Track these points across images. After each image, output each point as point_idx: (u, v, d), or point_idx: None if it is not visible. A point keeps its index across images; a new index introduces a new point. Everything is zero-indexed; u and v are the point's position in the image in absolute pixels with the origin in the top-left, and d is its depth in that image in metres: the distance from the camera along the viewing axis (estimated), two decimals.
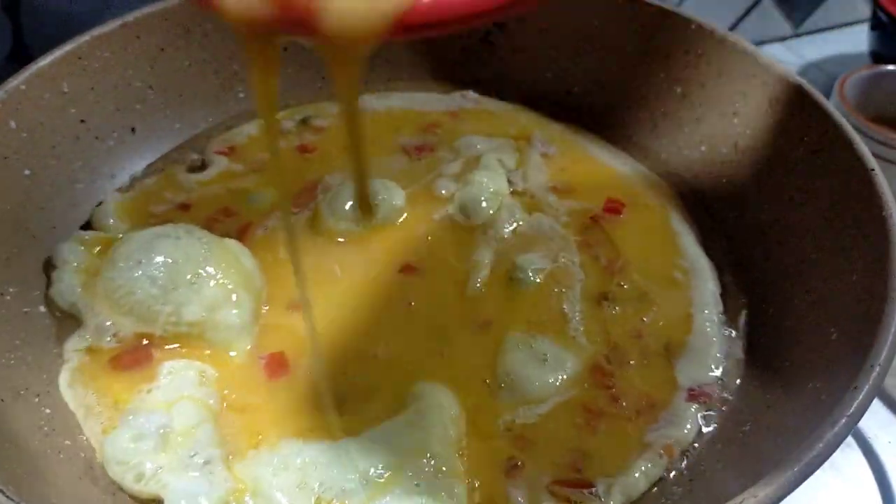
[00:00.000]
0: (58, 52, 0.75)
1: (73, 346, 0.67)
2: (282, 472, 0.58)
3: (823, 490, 0.70)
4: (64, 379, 0.65)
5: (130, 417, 0.60)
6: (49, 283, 0.70)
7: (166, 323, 0.65)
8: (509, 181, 0.82)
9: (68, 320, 0.69)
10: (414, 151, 0.87)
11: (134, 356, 0.65)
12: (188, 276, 0.65)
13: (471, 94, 0.94)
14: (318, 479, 0.57)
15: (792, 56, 1.33)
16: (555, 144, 0.87)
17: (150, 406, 0.62)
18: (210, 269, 0.66)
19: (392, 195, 0.78)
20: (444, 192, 0.80)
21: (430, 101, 0.93)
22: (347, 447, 0.58)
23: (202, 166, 0.83)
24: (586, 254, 0.75)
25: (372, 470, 0.57)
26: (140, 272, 0.65)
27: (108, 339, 0.66)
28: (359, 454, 0.58)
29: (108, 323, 0.66)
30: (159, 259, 0.65)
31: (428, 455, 0.58)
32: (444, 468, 0.57)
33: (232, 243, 0.70)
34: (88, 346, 0.66)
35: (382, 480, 0.56)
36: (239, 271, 0.68)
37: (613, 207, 0.80)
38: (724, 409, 0.64)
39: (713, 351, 0.68)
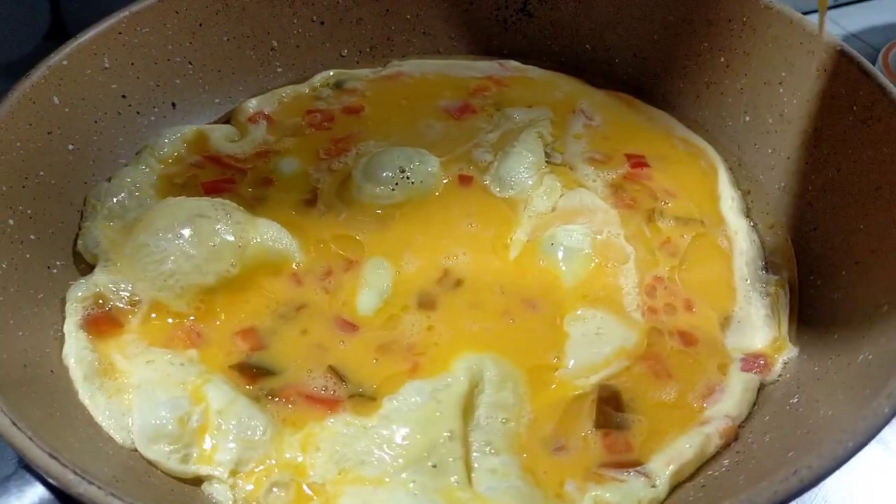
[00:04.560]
0: (98, 28, 0.75)
1: (81, 293, 0.67)
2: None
3: (872, 465, 0.69)
4: (70, 334, 0.64)
5: (164, 394, 0.60)
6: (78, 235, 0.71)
7: (186, 298, 0.66)
8: (547, 154, 0.81)
9: None
10: (456, 112, 0.86)
11: (171, 331, 0.65)
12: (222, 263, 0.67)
13: (510, 62, 0.92)
14: (346, 452, 0.58)
15: (832, 27, 1.29)
16: (599, 113, 0.86)
17: (181, 381, 0.61)
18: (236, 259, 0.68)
19: (427, 161, 0.77)
20: (481, 162, 0.80)
21: (466, 69, 0.92)
22: (376, 427, 0.59)
23: (240, 137, 0.83)
24: (630, 221, 0.74)
25: (392, 448, 0.57)
26: (175, 244, 0.65)
27: (126, 303, 0.66)
28: (385, 433, 0.58)
29: (125, 285, 0.67)
30: (197, 238, 0.66)
31: (447, 437, 0.58)
32: (456, 455, 0.57)
33: (265, 224, 0.71)
34: (95, 295, 0.66)
35: (400, 462, 0.57)
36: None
37: (638, 163, 0.80)
38: (772, 380, 0.64)
39: (759, 322, 0.67)
